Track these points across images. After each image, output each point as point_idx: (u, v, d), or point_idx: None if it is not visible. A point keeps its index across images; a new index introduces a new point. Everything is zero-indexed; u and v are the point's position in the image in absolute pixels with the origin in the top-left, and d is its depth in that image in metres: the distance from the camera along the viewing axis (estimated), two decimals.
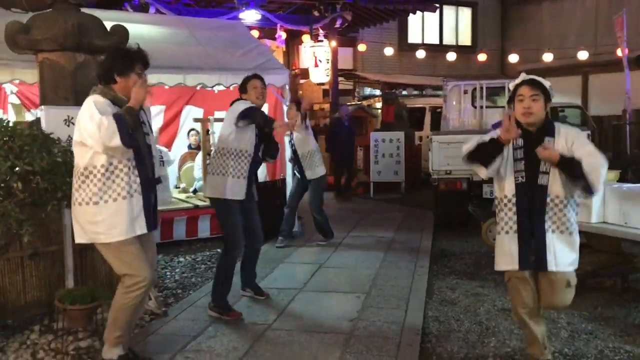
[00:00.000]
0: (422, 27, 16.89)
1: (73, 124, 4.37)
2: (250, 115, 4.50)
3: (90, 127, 3.17)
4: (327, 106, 14.06)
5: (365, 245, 7.05)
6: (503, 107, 9.88)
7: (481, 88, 9.90)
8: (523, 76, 3.43)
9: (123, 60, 3.42)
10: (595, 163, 3.15)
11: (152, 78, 6.83)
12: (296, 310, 4.72)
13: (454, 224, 7.67)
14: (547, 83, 3.37)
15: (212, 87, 7.27)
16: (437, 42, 17.08)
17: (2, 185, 3.38)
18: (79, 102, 4.83)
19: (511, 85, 3.48)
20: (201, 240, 7.21)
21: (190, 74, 7.03)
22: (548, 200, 3.28)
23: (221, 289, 4.60)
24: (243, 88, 4.80)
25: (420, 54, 15.64)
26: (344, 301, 4.94)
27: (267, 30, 13.30)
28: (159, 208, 7.18)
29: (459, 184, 7.29)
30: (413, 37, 16.78)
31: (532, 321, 3.47)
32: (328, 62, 13.49)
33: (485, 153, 3.34)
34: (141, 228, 3.38)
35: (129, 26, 7.82)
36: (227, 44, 7.96)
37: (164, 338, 4.15)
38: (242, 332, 4.24)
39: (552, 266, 3.27)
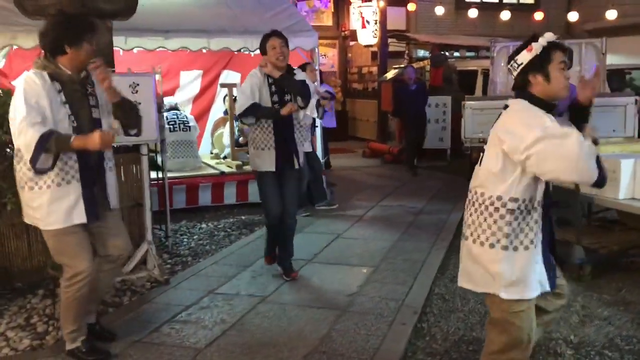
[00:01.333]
0: None
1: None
2: (249, 115, 4.32)
3: (14, 123, 3.01)
4: (375, 69, 13.67)
5: (391, 216, 6.82)
6: None
7: None
8: (552, 36, 2.63)
9: (73, 29, 3.15)
10: None
11: (175, 43, 6.78)
12: (297, 283, 4.60)
13: None
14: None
15: (237, 51, 7.13)
16: (497, 0, 16.16)
17: None
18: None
19: (536, 46, 2.60)
20: (227, 206, 7.18)
21: (214, 37, 6.90)
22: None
23: (268, 245, 4.84)
24: (262, 48, 4.43)
25: (476, 13, 14.82)
26: (349, 274, 4.78)
27: None
28: (187, 174, 7.30)
29: None
30: None
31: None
32: (376, 23, 13.05)
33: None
34: (80, 217, 3.16)
35: None
36: (256, 6, 7.75)
37: (157, 307, 4.14)
38: (236, 304, 4.17)
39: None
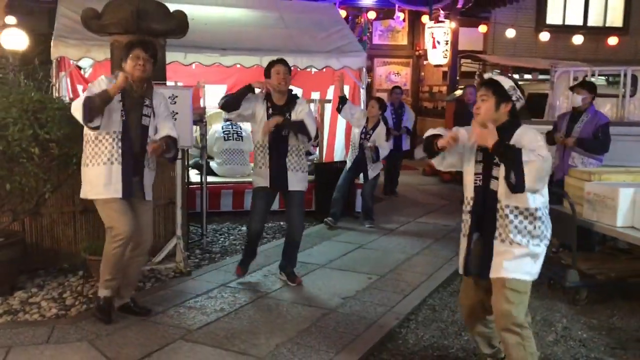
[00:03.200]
0: (564, 7, 15.71)
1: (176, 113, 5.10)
2: (226, 99, 4.84)
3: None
4: (445, 88, 13.80)
5: (422, 232, 7.04)
6: (617, 95, 9.08)
7: (592, 74, 9.16)
8: (486, 76, 3.40)
9: (124, 48, 3.99)
10: (532, 158, 2.96)
11: (231, 60, 7.37)
12: (303, 283, 4.98)
13: None
14: (507, 83, 3.20)
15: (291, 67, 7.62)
16: (580, 22, 15.80)
17: (24, 148, 4.06)
18: None
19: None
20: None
21: (266, 55, 7.40)
22: (498, 207, 3.16)
23: (244, 256, 5.21)
24: (267, 72, 4.92)
25: (555, 35, 14.66)
26: (353, 280, 5.10)
27: (386, 10, 13.36)
28: (236, 179, 7.88)
29: None
30: (552, 17, 15.69)
31: (475, 321, 3.44)
32: (447, 44, 13.21)
33: (427, 145, 3.35)
34: (117, 192, 3.86)
35: (224, 10, 8.54)
36: (312, 27, 8.26)
37: (172, 293, 4.67)
38: (240, 297, 4.63)
39: (493, 273, 3.16)
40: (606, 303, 4.68)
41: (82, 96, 3.74)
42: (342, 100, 7.19)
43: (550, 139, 5.92)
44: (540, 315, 4.45)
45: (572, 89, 6.13)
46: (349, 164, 7.35)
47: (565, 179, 5.22)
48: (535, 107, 12.63)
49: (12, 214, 4.47)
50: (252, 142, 7.29)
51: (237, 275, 5.09)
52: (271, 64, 4.94)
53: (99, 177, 3.84)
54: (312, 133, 4.73)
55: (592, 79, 8.84)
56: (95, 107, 3.65)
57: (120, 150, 3.84)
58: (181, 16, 5.87)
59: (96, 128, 3.74)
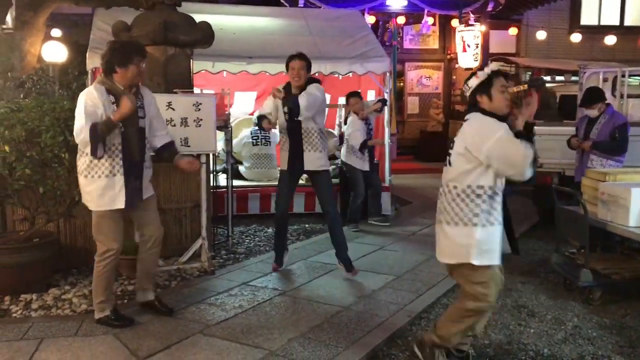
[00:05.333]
0: (599, 7, 15.49)
1: (173, 108, 5.31)
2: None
3: (76, 125, 3.86)
4: None
5: None
6: None
7: (622, 75, 9.05)
8: (494, 65, 3.44)
9: (121, 53, 3.93)
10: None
11: (257, 67, 7.62)
12: (320, 282, 5.16)
13: (543, 222, 7.33)
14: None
15: (314, 73, 7.81)
16: (616, 22, 15.54)
17: (56, 154, 4.35)
18: (168, 89, 5.83)
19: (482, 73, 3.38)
20: (295, 215, 7.86)
21: None
22: None
23: (275, 241, 5.60)
24: (287, 67, 5.24)
25: (592, 36, 14.49)
26: (370, 280, 5.23)
27: (415, 15, 13.45)
28: (263, 183, 8.11)
29: (549, 178, 6.94)
30: (587, 18, 15.49)
31: None
32: (477, 47, 13.21)
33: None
34: (120, 203, 3.95)
35: (252, 19, 8.81)
36: (337, 34, 8.46)
37: (195, 291, 4.90)
38: (259, 294, 4.82)
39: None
40: (620, 303, 4.70)
41: (85, 123, 3.75)
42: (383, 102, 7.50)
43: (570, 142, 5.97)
44: (552, 314, 4.50)
45: (583, 106, 6.06)
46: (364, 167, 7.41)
47: (582, 180, 5.25)
48: (569, 108, 12.53)
49: (46, 216, 4.77)
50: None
51: (273, 270, 5.49)
52: (289, 59, 5.23)
53: (100, 189, 3.91)
54: (300, 108, 4.99)
55: (623, 80, 8.78)
56: (102, 138, 3.78)
57: (121, 162, 3.92)
58: (206, 27, 6.13)
59: (99, 158, 3.84)
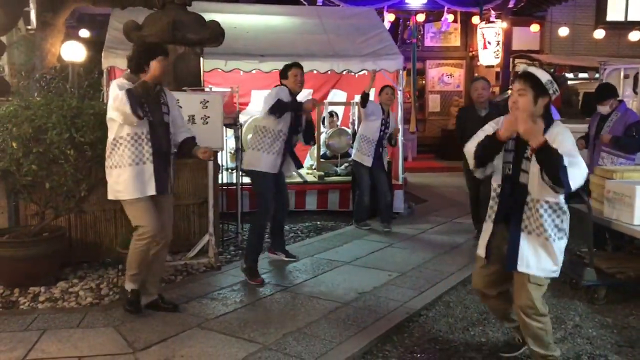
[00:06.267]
0: (626, 2, 15.16)
1: (180, 106, 5.14)
2: (279, 108, 5.04)
3: (111, 102, 3.99)
4: (497, 89, 13.64)
5: (455, 232, 7.09)
6: None
7: None
8: (521, 68, 3.41)
9: (147, 53, 4.15)
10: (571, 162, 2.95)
11: (269, 65, 7.65)
12: (324, 279, 5.18)
13: None
14: (544, 77, 3.17)
15: (324, 72, 7.84)
16: None
17: (62, 151, 4.46)
18: (179, 87, 5.91)
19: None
20: (308, 212, 7.93)
21: (304, 60, 7.63)
22: (528, 199, 3.21)
23: (252, 253, 5.21)
24: (284, 74, 5.29)
25: (616, 33, 14.20)
26: (373, 277, 5.23)
27: (435, 13, 13.36)
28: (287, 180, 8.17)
29: None
30: (613, 14, 15.18)
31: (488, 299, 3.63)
32: (498, 44, 13.07)
33: (488, 154, 3.28)
34: (152, 190, 4.13)
35: (266, 18, 8.87)
36: (351, 32, 8.46)
37: (199, 285, 4.97)
38: (261, 290, 4.87)
39: (522, 267, 3.22)
40: (625, 302, 4.62)
41: (119, 93, 3.89)
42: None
43: (582, 140, 5.89)
44: (554, 312, 4.44)
45: (595, 103, 5.95)
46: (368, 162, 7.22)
47: (590, 178, 5.16)
48: (593, 106, 12.28)
49: (54, 211, 4.89)
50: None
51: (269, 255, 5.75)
52: (288, 67, 5.31)
53: (132, 177, 4.05)
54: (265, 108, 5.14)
55: None
56: (139, 99, 3.91)
57: (151, 150, 4.08)
58: (215, 26, 6.20)
59: (140, 117, 3.94)
